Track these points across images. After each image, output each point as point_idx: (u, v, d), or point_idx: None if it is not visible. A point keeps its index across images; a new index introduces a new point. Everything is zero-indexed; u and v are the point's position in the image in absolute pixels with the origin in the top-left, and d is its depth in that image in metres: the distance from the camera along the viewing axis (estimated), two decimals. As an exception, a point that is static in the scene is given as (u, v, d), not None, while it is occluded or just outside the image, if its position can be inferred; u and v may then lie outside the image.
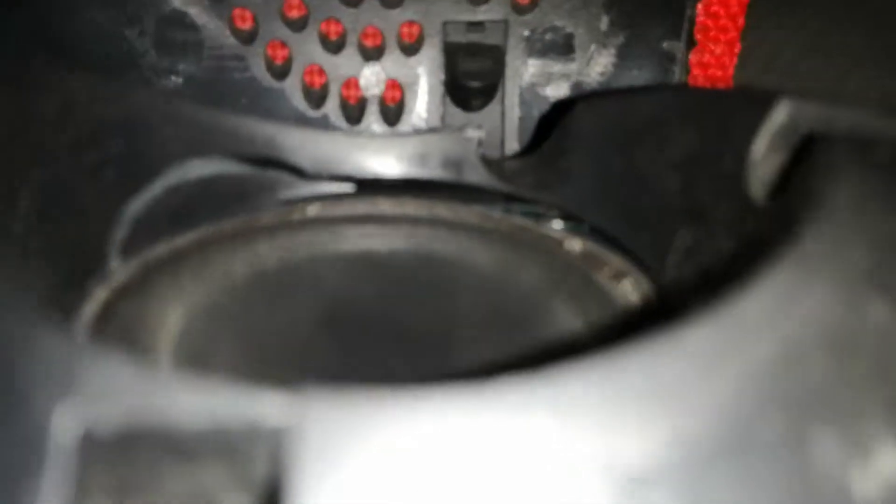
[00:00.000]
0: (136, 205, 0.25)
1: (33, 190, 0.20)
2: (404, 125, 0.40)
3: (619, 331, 0.23)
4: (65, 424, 0.11)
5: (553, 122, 0.38)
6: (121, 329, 0.21)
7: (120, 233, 0.24)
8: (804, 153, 0.19)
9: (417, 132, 0.38)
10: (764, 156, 0.21)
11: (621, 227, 0.27)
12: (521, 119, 0.41)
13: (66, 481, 0.11)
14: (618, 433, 0.12)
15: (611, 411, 0.12)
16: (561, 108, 0.36)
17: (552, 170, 0.30)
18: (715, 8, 0.38)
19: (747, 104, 0.22)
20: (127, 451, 0.11)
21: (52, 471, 0.11)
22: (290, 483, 0.11)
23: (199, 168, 0.28)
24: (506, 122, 0.41)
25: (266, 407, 0.11)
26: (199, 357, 0.21)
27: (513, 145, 0.41)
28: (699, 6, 0.38)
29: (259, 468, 0.11)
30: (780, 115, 0.20)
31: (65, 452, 0.11)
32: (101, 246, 0.23)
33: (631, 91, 0.29)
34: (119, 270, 0.24)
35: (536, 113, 0.41)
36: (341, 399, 0.11)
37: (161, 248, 0.26)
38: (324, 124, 0.40)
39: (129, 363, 0.11)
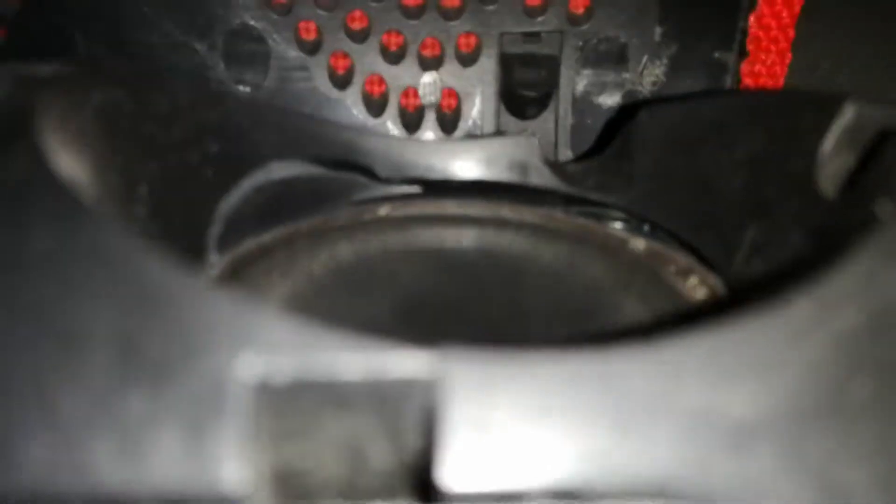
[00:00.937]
0: (229, 202, 0.27)
1: (150, 180, 0.22)
2: (460, 132, 0.42)
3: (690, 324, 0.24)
4: (243, 376, 0.13)
5: (612, 129, 0.40)
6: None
7: (216, 228, 0.26)
8: (874, 150, 0.21)
9: (484, 136, 0.40)
10: (833, 153, 0.22)
11: (685, 226, 0.28)
12: (574, 127, 0.43)
13: (244, 425, 0.13)
14: (728, 392, 0.13)
15: (722, 374, 0.13)
16: (622, 116, 0.38)
17: (615, 173, 0.31)
18: (767, 19, 0.40)
19: (813, 105, 0.23)
20: (295, 400, 0.13)
21: (232, 416, 0.13)
22: (440, 432, 0.13)
23: (282, 169, 0.30)
24: (559, 130, 0.43)
25: (417, 363, 0.13)
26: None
27: (566, 153, 0.43)
28: (751, 17, 0.40)
29: (408, 419, 0.13)
30: (847, 114, 0.22)
31: (243, 400, 0.13)
32: (202, 239, 0.25)
33: (693, 97, 0.31)
34: (215, 265, 0.26)
35: (590, 121, 0.43)
36: (486, 356, 0.13)
37: (250, 245, 0.28)
38: (383, 132, 0.42)
39: (297, 322, 0.13)
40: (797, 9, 0.40)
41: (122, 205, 0.20)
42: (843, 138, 0.22)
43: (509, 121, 0.43)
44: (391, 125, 0.42)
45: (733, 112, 0.26)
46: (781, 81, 0.42)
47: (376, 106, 0.42)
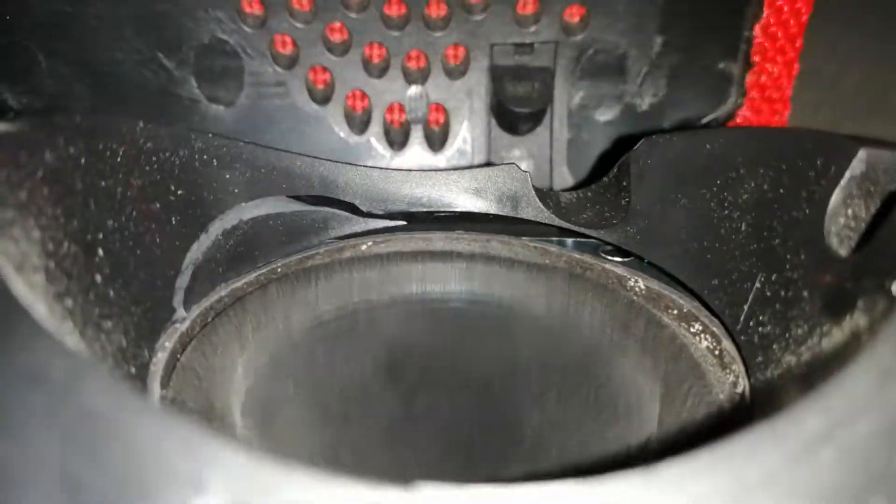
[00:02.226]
0: (197, 250, 0.26)
1: (108, 239, 0.22)
2: (449, 149, 0.41)
3: (693, 384, 0.24)
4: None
5: (609, 155, 0.39)
6: (192, 384, 0.23)
7: (182, 281, 0.25)
8: (886, 206, 0.20)
9: (472, 166, 0.39)
10: (843, 206, 0.21)
11: (686, 268, 0.27)
12: (570, 142, 0.42)
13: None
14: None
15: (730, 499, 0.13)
16: (620, 145, 0.37)
17: (612, 206, 0.30)
18: (773, 29, 0.39)
19: (824, 149, 0.22)
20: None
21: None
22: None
23: (254, 208, 0.29)
24: (554, 145, 0.42)
25: None
26: (268, 418, 0.23)
27: (561, 170, 0.42)
28: (757, 27, 0.39)
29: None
30: (859, 165, 0.21)
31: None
32: (167, 294, 0.24)
33: (696, 130, 0.30)
34: (184, 319, 0.25)
35: (586, 136, 0.42)
36: (460, 498, 0.12)
37: (221, 294, 0.27)
38: (366, 150, 0.41)
39: (259, 460, 0.12)
40: (805, 18, 0.39)
41: (78, 277, 0.19)
42: (855, 191, 0.21)
43: (501, 136, 0.42)
44: (375, 142, 0.41)
45: (739, 149, 0.25)
46: (788, 93, 0.41)
47: (359, 122, 0.41)
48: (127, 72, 0.38)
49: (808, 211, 0.22)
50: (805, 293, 0.21)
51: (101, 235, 0.21)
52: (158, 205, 0.25)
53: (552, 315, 0.28)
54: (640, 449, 0.22)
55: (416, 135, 0.41)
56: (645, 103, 0.41)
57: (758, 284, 0.24)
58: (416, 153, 0.41)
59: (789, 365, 0.21)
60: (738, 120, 0.41)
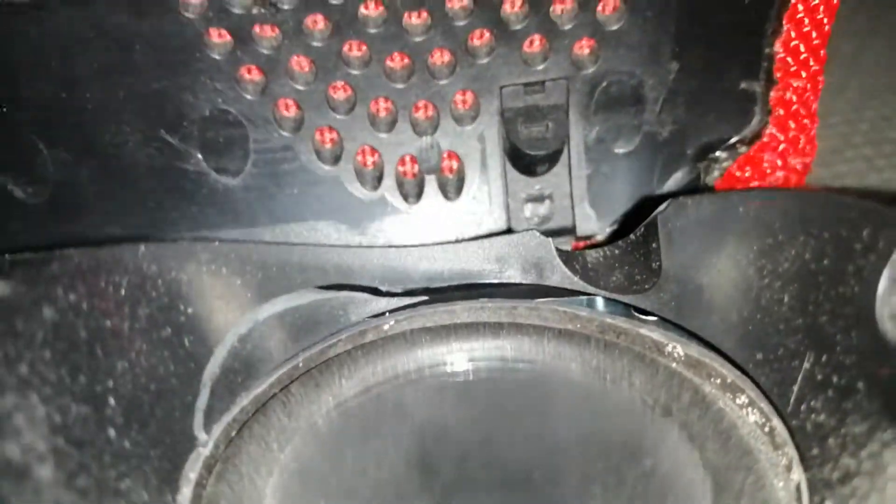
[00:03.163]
0: (213, 364, 0.25)
1: (118, 384, 0.21)
2: (465, 197, 0.40)
3: (747, 477, 0.22)
4: None
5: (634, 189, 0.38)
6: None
7: (202, 400, 0.24)
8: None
9: (491, 235, 0.38)
10: (895, 287, 0.20)
11: (727, 338, 0.26)
12: (590, 177, 0.40)
13: None
14: None
15: None
16: (647, 204, 0.35)
17: (642, 268, 0.29)
18: (795, 42, 0.37)
19: (867, 220, 0.21)
20: None
21: None
22: None
23: (269, 308, 0.28)
24: (574, 182, 0.40)
25: None
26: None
27: (583, 205, 0.40)
28: (778, 42, 0.37)
29: None
30: (912, 242, 0.20)
31: None
32: (188, 423, 0.23)
33: (726, 192, 0.28)
34: (206, 442, 0.24)
35: (606, 170, 0.40)
36: None
37: (243, 404, 0.26)
38: (381, 205, 0.40)
39: None
40: (828, 28, 0.37)
41: (91, 442, 0.19)
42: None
43: (518, 179, 0.40)
44: (390, 197, 0.40)
45: (775, 213, 0.24)
46: (815, 107, 0.39)
47: (371, 178, 0.40)
48: (131, 152, 0.37)
49: (856, 288, 0.21)
50: (860, 384, 0.20)
51: (110, 383, 0.20)
52: (170, 329, 0.24)
53: (588, 391, 0.27)
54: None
55: (431, 185, 0.40)
56: (665, 131, 0.39)
57: (807, 364, 0.22)
58: (433, 203, 0.40)
59: (848, 470, 0.19)
60: (765, 139, 0.40)
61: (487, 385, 0.29)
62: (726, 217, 0.25)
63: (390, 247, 0.29)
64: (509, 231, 0.38)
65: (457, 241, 0.31)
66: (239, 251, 0.26)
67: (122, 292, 0.22)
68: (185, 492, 0.22)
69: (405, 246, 0.29)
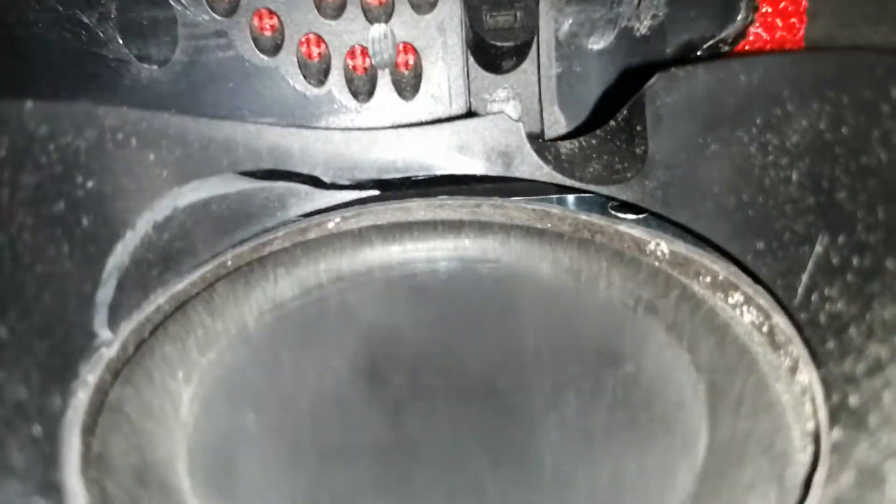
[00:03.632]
0: (122, 252, 0.21)
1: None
2: (423, 95, 0.36)
3: (746, 381, 0.19)
4: None
5: (608, 90, 0.34)
6: (122, 433, 0.18)
7: (104, 294, 0.20)
8: None
9: (452, 118, 0.34)
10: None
11: (721, 228, 0.23)
12: (561, 77, 0.36)
13: None
14: None
15: None
16: (629, 79, 0.32)
17: (624, 156, 0.25)
18: (788, -74, 0.33)
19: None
20: None
21: None
22: None
23: (190, 193, 0.24)
24: (543, 82, 0.36)
25: None
26: (224, 471, 0.18)
27: (553, 110, 0.37)
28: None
29: None
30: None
31: None
32: (84, 314, 0.19)
33: (727, 59, 0.24)
34: (109, 343, 0.20)
35: (579, 69, 0.36)
36: None
37: (158, 302, 0.22)
38: (328, 103, 0.36)
39: None
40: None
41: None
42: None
43: (482, 76, 0.36)
44: (337, 94, 0.36)
45: (785, 80, 0.20)
46: (805, 4, 0.36)
47: (317, 72, 0.35)
48: (41, 34, 0.32)
49: (881, 156, 0.18)
50: (889, 263, 0.17)
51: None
52: (63, 204, 0.19)
53: (560, 292, 0.24)
54: (692, 486, 0.18)
55: (384, 81, 0.36)
56: (643, 27, 0.36)
57: (819, 249, 0.19)
58: (386, 102, 0.36)
59: (879, 360, 0.16)
60: (750, 38, 0.36)
61: (446, 288, 0.25)
62: (725, 89, 0.22)
63: (335, 129, 0.25)
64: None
65: (412, 125, 0.27)
66: (152, 120, 0.22)
67: (2, 153, 0.17)
68: (82, 396, 0.18)
69: (353, 129, 0.25)
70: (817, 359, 0.18)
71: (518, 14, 0.34)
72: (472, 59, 0.36)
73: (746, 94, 0.21)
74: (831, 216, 0.19)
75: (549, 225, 0.26)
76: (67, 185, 0.19)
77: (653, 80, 0.23)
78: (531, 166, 0.26)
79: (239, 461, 0.19)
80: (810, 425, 0.18)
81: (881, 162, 0.18)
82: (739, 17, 0.36)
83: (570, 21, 0.35)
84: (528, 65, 0.36)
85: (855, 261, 0.18)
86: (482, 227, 0.27)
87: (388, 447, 0.20)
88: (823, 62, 0.20)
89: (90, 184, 0.20)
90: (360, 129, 0.25)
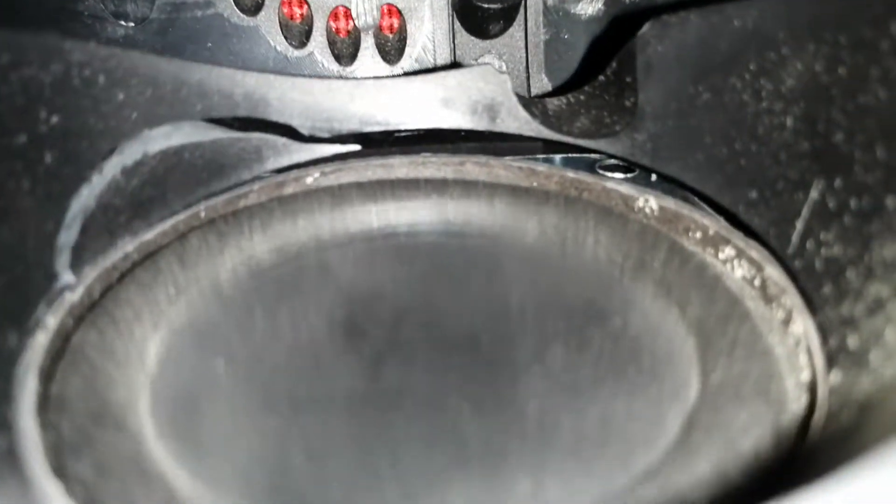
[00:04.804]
0: (88, 195, 0.20)
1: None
2: (407, 60, 0.35)
3: (738, 329, 0.18)
4: None
5: (602, 47, 0.33)
6: (81, 375, 0.17)
7: (68, 236, 0.19)
8: None
9: (436, 69, 0.33)
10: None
11: (713, 179, 0.22)
12: (549, 44, 0.36)
13: None
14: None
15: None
16: (618, 30, 0.31)
17: (613, 109, 0.25)
18: None
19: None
20: None
21: None
22: None
23: (162, 139, 0.23)
24: (530, 49, 0.36)
25: None
26: (190, 416, 0.17)
27: (540, 79, 0.36)
28: None
29: None
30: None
31: None
32: (44, 254, 0.19)
33: (719, 4, 0.24)
34: (72, 287, 0.19)
35: (567, 36, 0.36)
36: None
37: (126, 250, 0.21)
38: (309, 66, 0.35)
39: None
40: None
41: None
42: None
43: (467, 41, 0.35)
44: (319, 56, 0.35)
45: (779, 23, 0.20)
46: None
47: (298, 33, 0.35)
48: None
49: (880, 95, 0.17)
50: (889, 201, 0.16)
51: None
52: (25, 137, 0.18)
53: (547, 250, 0.23)
54: (682, 429, 0.17)
55: (367, 44, 0.35)
56: (635, -9, 0.35)
57: (815, 194, 0.19)
58: (369, 66, 0.35)
59: (879, 298, 0.15)
60: None
61: (428, 246, 0.25)
62: (718, 35, 0.21)
63: (315, 78, 0.24)
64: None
65: (395, 76, 0.26)
66: (122, 58, 0.21)
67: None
68: (42, 339, 0.17)
69: (334, 78, 0.24)
70: (813, 305, 0.18)
71: (506, -25, 0.34)
72: (458, 24, 0.35)
73: (740, 40, 0.21)
74: (827, 160, 0.18)
75: (535, 183, 0.26)
76: (30, 120, 0.18)
77: (644, 27, 0.23)
78: (517, 120, 0.25)
79: (205, 407, 0.18)
80: (805, 375, 0.17)
81: (880, 100, 0.17)
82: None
83: (559, -15, 0.35)
84: (516, 30, 0.35)
85: (853, 203, 0.17)
86: (466, 186, 0.26)
87: (364, 397, 0.19)
88: (821, 2, 0.19)
89: (54, 119, 0.19)
90: (341, 78, 0.24)
